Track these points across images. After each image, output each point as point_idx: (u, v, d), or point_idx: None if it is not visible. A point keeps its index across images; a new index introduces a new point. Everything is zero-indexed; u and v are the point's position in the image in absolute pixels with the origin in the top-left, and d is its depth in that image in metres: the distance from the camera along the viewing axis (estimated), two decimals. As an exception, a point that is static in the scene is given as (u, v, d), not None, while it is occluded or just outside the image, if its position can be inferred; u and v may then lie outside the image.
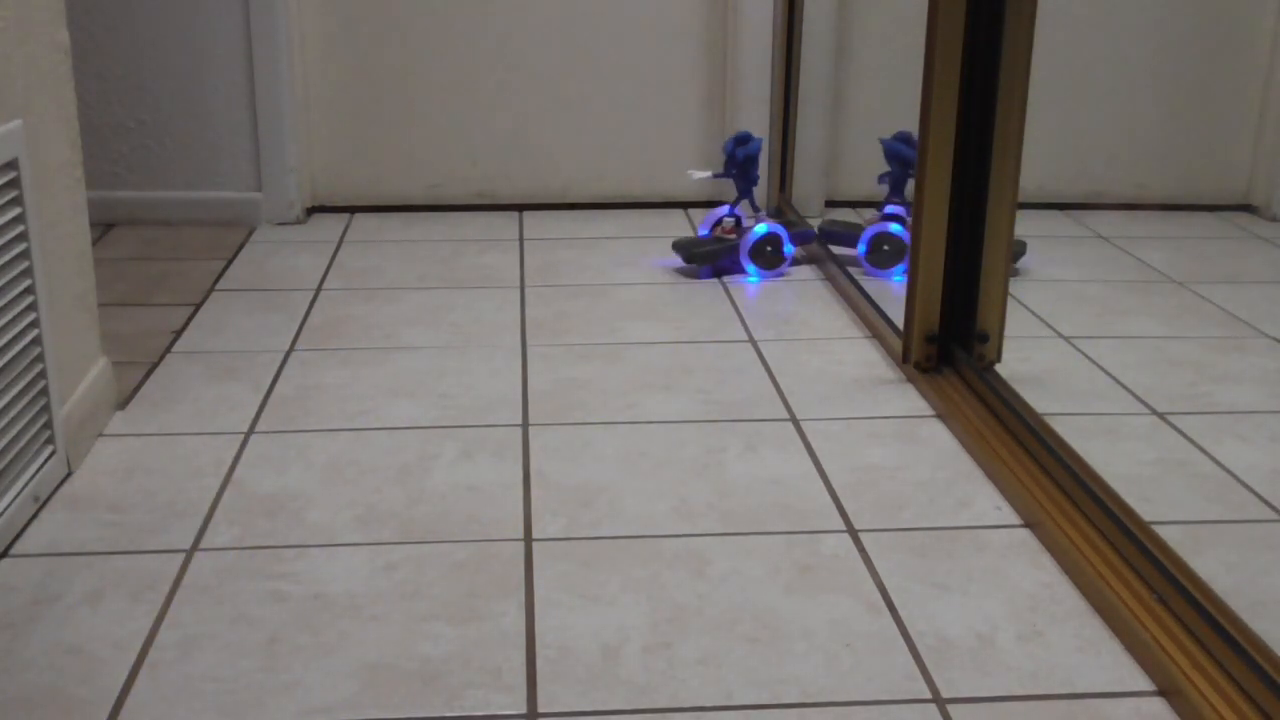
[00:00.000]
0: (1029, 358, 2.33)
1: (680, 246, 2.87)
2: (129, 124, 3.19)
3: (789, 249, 2.86)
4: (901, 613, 1.54)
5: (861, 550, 1.68)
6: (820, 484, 1.87)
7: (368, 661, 1.44)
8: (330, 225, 3.26)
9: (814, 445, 2.00)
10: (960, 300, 2.20)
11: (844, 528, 1.74)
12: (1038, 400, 2.02)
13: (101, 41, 3.12)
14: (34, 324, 1.80)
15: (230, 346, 2.41)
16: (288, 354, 2.36)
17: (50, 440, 1.83)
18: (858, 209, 3.40)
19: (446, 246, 3.09)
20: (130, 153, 3.21)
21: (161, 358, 2.35)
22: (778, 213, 3.35)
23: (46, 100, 1.87)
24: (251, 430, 2.04)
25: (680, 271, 2.90)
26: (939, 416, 2.10)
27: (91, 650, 1.46)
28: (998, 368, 2.19)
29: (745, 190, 2.92)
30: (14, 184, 1.73)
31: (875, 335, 2.47)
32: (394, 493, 1.84)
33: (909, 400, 2.18)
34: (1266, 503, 1.83)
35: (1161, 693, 1.39)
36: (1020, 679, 1.42)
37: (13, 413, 1.72)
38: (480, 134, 3.38)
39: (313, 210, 3.36)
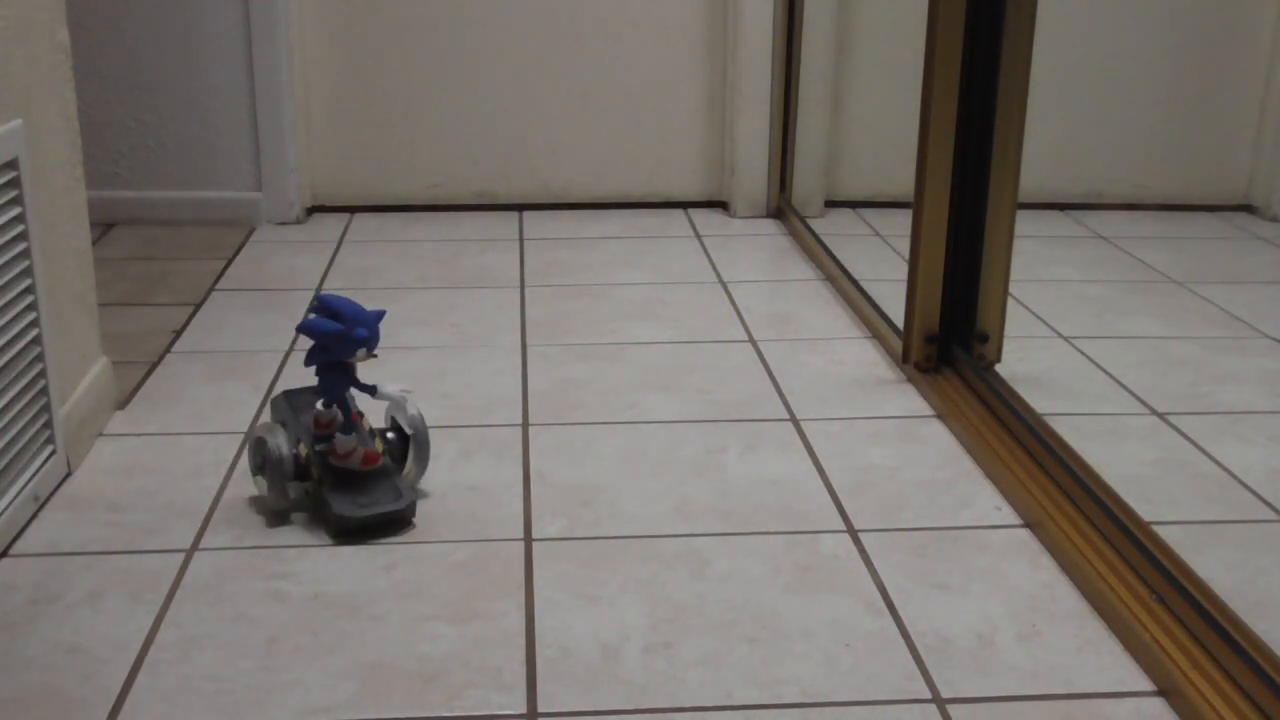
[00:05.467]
0: (1029, 358, 2.33)
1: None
2: (129, 124, 3.19)
3: None
4: (901, 613, 1.54)
5: (861, 550, 1.68)
6: (820, 484, 1.87)
7: (368, 661, 1.44)
8: (330, 225, 3.26)
9: (814, 445, 2.00)
10: (960, 300, 2.20)
11: (844, 528, 1.74)
12: (1038, 400, 2.02)
13: (102, 41, 3.12)
14: (34, 324, 1.80)
15: (230, 346, 2.41)
16: (288, 354, 2.36)
17: (50, 440, 1.83)
18: (859, 209, 3.40)
19: (446, 246, 3.09)
20: (130, 153, 3.21)
21: (161, 358, 2.35)
22: (778, 213, 3.35)
23: (46, 100, 1.87)
24: (252, 430, 2.04)
25: (683, 279, 2.90)
26: (939, 416, 2.10)
27: (91, 650, 1.46)
28: (998, 368, 2.19)
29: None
30: (14, 184, 1.73)
31: (875, 335, 2.47)
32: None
33: (909, 400, 2.17)
34: (1266, 503, 1.83)
35: (1161, 693, 1.39)
36: (1020, 679, 1.42)
37: (13, 413, 1.72)
38: (480, 134, 3.38)
39: (313, 210, 3.36)
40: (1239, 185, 3.48)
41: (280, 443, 1.73)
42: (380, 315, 1.74)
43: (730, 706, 1.37)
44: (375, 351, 1.72)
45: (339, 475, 1.74)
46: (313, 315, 1.73)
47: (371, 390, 1.75)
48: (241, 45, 3.14)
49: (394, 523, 1.72)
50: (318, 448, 1.75)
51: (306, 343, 2.44)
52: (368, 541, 1.69)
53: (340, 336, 1.70)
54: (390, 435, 1.82)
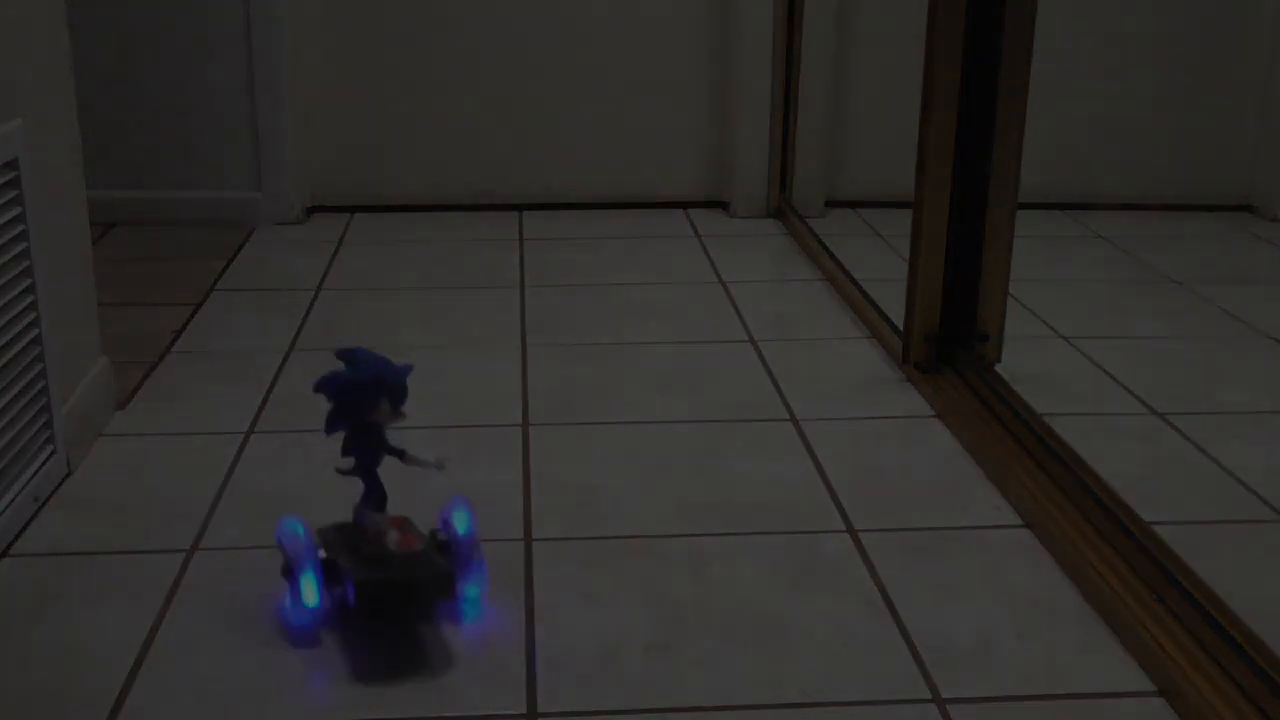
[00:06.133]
0: (1029, 358, 2.33)
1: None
2: (129, 124, 3.19)
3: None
4: (901, 613, 1.54)
5: (861, 550, 1.68)
6: (820, 484, 1.87)
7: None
8: (330, 225, 3.26)
9: (814, 445, 2.00)
10: (960, 300, 2.20)
11: (844, 528, 1.74)
12: (1038, 400, 2.02)
13: (102, 41, 3.12)
14: (34, 324, 1.80)
15: (230, 346, 2.41)
16: (288, 354, 2.36)
17: (50, 440, 1.83)
18: (859, 209, 3.39)
19: (446, 246, 3.09)
20: (130, 153, 3.21)
21: (161, 358, 2.35)
22: (778, 213, 3.35)
23: (46, 100, 1.87)
24: (252, 430, 2.04)
25: (683, 279, 2.90)
26: (939, 416, 2.10)
27: (91, 650, 1.46)
28: (998, 368, 2.19)
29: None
30: (14, 184, 1.73)
31: (875, 335, 2.47)
32: (393, 493, 1.83)
33: (909, 400, 2.17)
34: (1266, 503, 1.83)
35: (1161, 693, 1.39)
36: (1020, 679, 1.42)
37: (13, 413, 1.72)
38: (480, 134, 3.38)
39: (313, 210, 3.36)
40: (1239, 185, 3.48)
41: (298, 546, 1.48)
42: (407, 369, 1.53)
43: (730, 706, 1.37)
44: (403, 410, 1.50)
45: (369, 559, 1.48)
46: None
47: (401, 454, 1.52)
48: (242, 45, 3.14)
49: (426, 593, 1.48)
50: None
51: (306, 342, 2.43)
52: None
53: (359, 386, 1.49)
54: (442, 538, 1.55)
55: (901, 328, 2.29)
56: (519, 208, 3.43)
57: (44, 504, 1.79)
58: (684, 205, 3.45)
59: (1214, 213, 3.46)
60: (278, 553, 1.52)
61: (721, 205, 3.44)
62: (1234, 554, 1.69)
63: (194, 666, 1.43)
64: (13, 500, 1.70)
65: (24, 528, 1.72)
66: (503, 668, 1.43)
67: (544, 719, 1.35)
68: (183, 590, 1.58)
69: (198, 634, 1.49)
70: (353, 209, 3.39)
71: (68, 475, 1.88)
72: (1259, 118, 3.43)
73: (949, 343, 2.23)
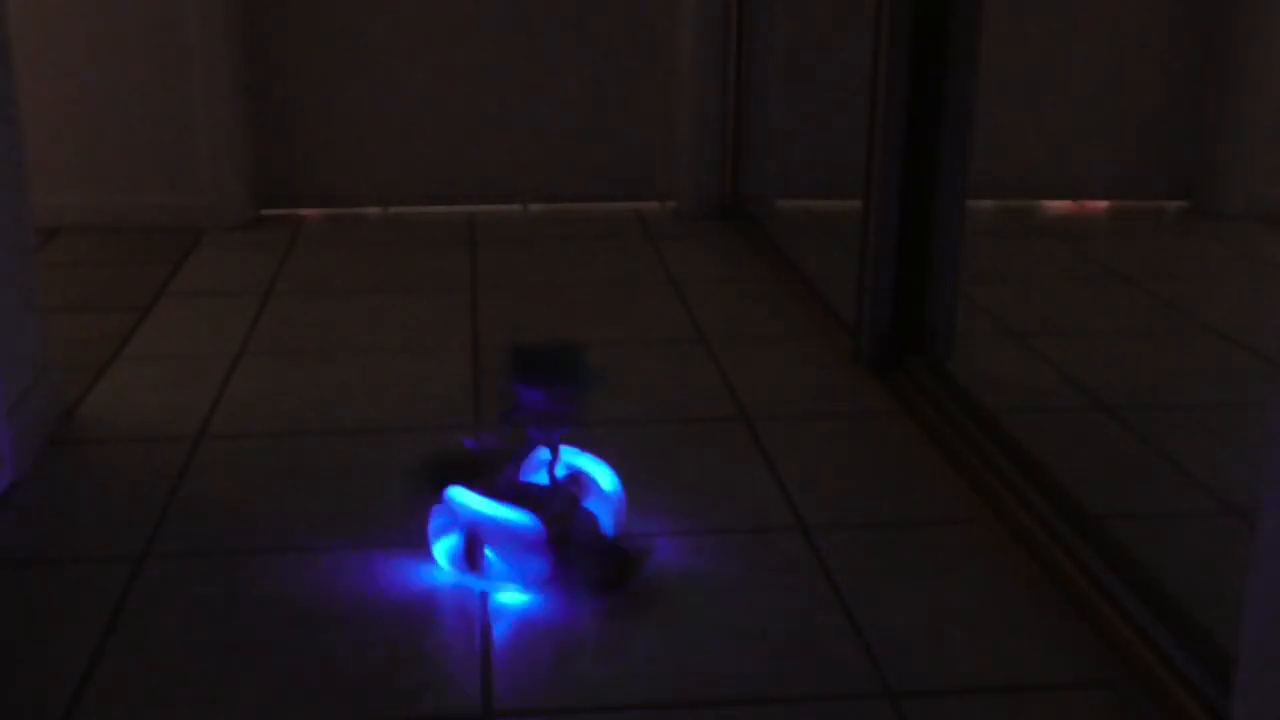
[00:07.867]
0: (980, 355, 2.35)
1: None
2: (76, 126, 3.16)
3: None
4: (854, 608, 1.55)
5: (814, 547, 1.69)
6: (772, 482, 1.88)
7: (323, 668, 1.43)
8: (281, 229, 3.24)
9: (765, 444, 2.00)
10: (911, 299, 2.22)
11: (796, 525, 1.75)
12: (988, 397, 2.04)
13: (48, 41, 3.09)
14: (-21, 330, 1.78)
15: (180, 351, 2.39)
16: (238, 358, 2.34)
17: (-3, 447, 1.81)
18: (810, 208, 3.41)
19: (399, 249, 3.08)
20: (78, 156, 3.18)
21: (110, 363, 2.33)
22: (730, 213, 3.36)
23: (-10, 104, 1.85)
24: (203, 434, 2.03)
25: (635, 279, 2.90)
26: (890, 414, 2.12)
27: (41, 659, 1.44)
28: (949, 365, 2.21)
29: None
30: (-43, 188, 1.71)
31: (827, 335, 2.48)
32: (348, 497, 1.83)
33: (861, 398, 2.19)
34: (1214, 496, 1.86)
35: (1119, 684, 1.41)
36: (975, 672, 1.43)
37: (-42, 420, 1.70)
38: (433, 135, 3.37)
39: (263, 214, 3.34)
40: (1184, 182, 3.52)
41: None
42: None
43: (683, 704, 1.37)
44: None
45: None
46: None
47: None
48: (191, 48, 3.12)
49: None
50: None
51: (256, 346, 2.41)
52: (321, 548, 1.69)
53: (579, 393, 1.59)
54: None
55: (853, 327, 2.30)
56: (472, 210, 3.42)
57: (-9, 512, 1.77)
58: (636, 205, 3.46)
59: (1160, 208, 3.50)
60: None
61: (673, 205, 3.45)
62: (1184, 546, 1.71)
63: (145, 674, 1.42)
64: (-41, 508, 1.68)
65: (-29, 536, 1.71)
66: (459, 670, 1.43)
67: (499, 718, 1.35)
68: (133, 597, 1.57)
69: (149, 641, 1.48)
70: (304, 212, 3.37)
71: (15, 483, 1.85)
72: (1201, 114, 3.47)
73: (900, 341, 2.24)
